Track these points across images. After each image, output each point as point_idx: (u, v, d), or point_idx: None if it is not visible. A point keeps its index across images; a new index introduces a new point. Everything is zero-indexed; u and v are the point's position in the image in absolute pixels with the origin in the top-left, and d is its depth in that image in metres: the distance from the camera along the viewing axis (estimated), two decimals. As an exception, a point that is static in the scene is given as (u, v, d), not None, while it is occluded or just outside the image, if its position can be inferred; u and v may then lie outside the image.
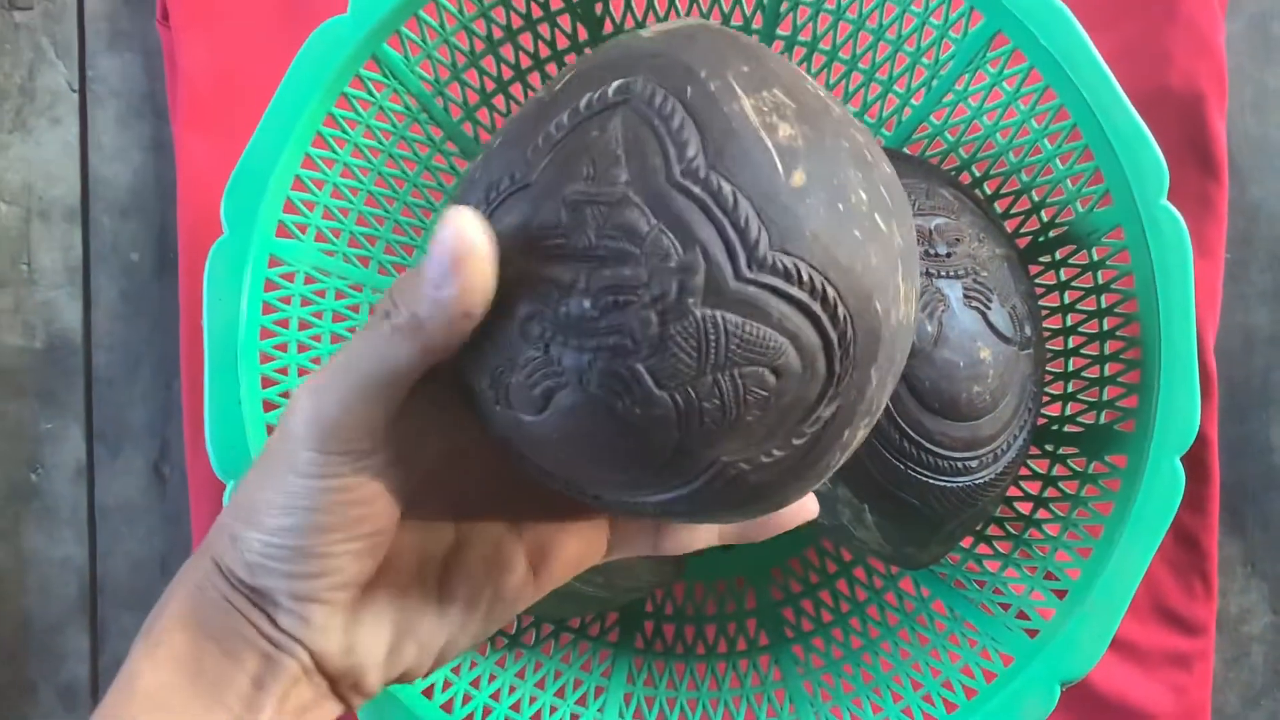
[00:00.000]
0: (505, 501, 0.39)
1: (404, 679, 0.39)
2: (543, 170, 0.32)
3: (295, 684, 0.36)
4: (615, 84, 0.32)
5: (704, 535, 0.40)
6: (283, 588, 0.36)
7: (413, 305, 0.32)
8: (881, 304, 0.32)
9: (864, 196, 0.32)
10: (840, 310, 0.31)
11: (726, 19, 0.60)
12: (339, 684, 0.38)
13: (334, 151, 0.56)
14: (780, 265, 0.30)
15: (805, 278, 0.31)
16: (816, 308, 0.31)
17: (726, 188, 0.30)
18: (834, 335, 0.31)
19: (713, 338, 0.30)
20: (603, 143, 0.31)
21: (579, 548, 0.40)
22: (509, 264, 0.31)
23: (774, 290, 0.30)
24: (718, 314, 0.30)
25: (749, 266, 0.30)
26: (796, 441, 0.32)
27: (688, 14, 0.60)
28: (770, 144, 0.31)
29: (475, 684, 0.58)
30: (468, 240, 0.30)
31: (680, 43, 0.33)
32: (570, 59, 0.61)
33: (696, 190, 0.30)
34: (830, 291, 0.31)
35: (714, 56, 0.32)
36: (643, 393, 0.31)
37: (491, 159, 0.34)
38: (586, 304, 0.31)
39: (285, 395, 0.55)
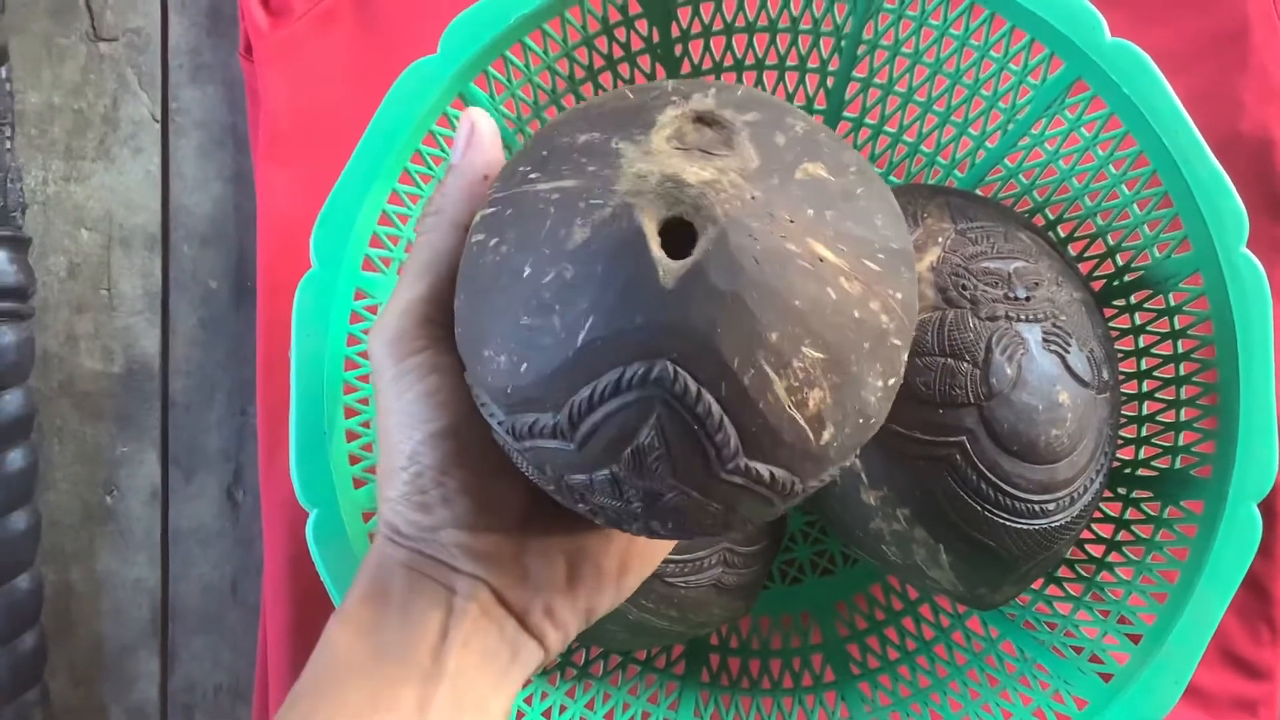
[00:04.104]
0: None
1: (593, 609, 0.41)
2: (584, 442, 0.34)
3: (477, 626, 0.39)
4: (643, 370, 0.33)
5: None
6: (444, 518, 0.39)
7: (441, 188, 0.41)
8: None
9: (879, 385, 0.36)
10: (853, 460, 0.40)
11: (804, 60, 0.61)
12: (529, 617, 0.39)
13: (419, 187, 0.57)
14: (810, 487, 0.36)
15: (830, 477, 0.37)
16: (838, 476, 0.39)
17: (764, 470, 0.34)
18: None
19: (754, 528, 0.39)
20: (644, 437, 0.34)
21: None
22: (567, 488, 0.36)
23: (806, 496, 0.37)
24: (762, 519, 0.37)
25: (785, 500, 0.36)
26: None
27: (765, 54, 0.61)
28: (802, 421, 0.34)
29: (547, 715, 0.58)
30: (479, 120, 0.41)
31: (703, 304, 0.33)
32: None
33: (738, 480, 0.34)
34: (849, 464, 0.38)
35: (743, 327, 0.33)
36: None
37: (518, 372, 0.35)
38: (650, 525, 0.36)
39: (367, 425, 0.55)
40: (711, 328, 0.32)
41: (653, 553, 0.43)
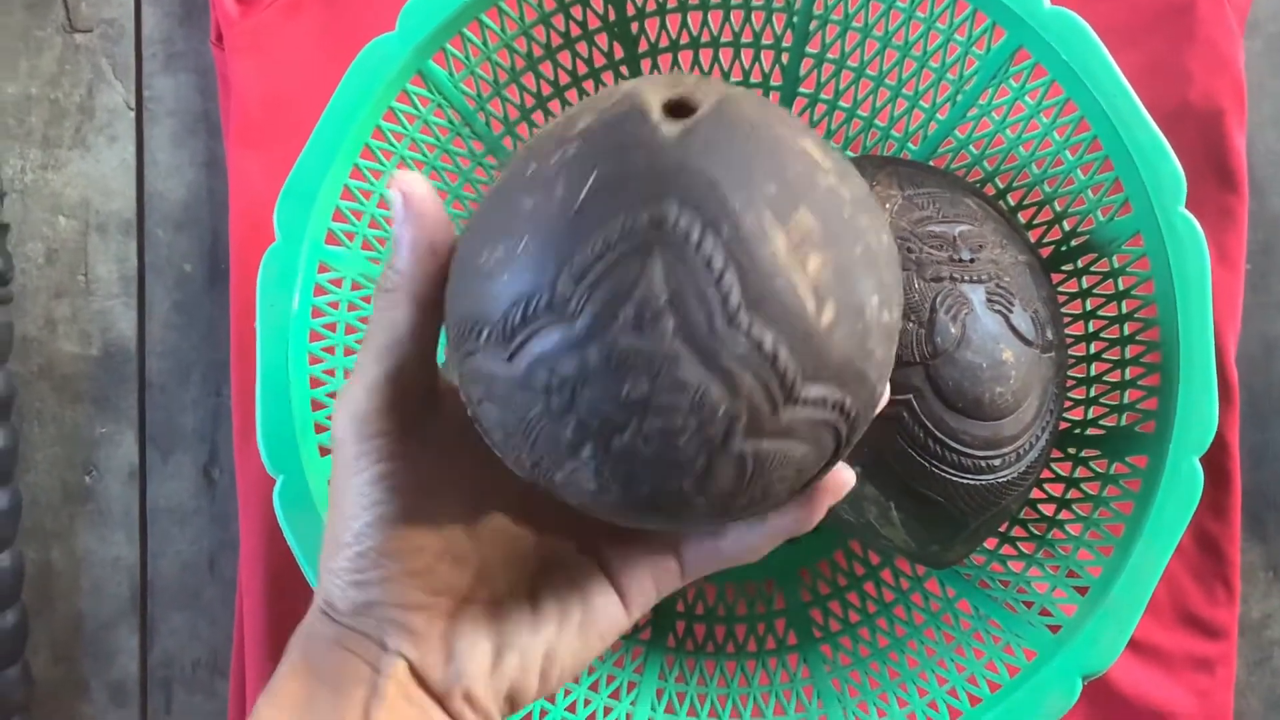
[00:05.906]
0: (569, 524, 0.41)
1: (515, 698, 0.40)
2: (582, 306, 0.32)
3: (395, 707, 0.38)
4: (647, 215, 0.32)
5: (766, 543, 0.43)
6: (379, 596, 0.38)
7: (392, 264, 0.38)
8: (880, 386, 0.36)
9: (875, 301, 0.34)
10: (854, 412, 0.35)
11: (758, 36, 0.63)
12: (450, 701, 0.39)
13: (381, 163, 0.58)
14: (811, 398, 0.33)
15: (831, 403, 0.34)
16: (838, 420, 0.34)
17: (768, 337, 0.32)
18: (845, 432, 0.35)
19: (751, 464, 0.34)
20: (645, 288, 0.32)
21: (651, 572, 0.42)
22: (556, 391, 0.33)
23: (805, 419, 0.34)
24: (759, 444, 0.33)
25: (786, 404, 0.33)
26: (799, 497, 0.39)
27: (720, 31, 0.63)
28: (802, 286, 0.32)
29: (513, 677, 0.60)
30: (411, 186, 0.37)
31: (704, 152, 0.33)
32: (608, 77, 0.64)
33: (741, 343, 0.32)
34: (849, 403, 0.34)
35: (742, 174, 0.33)
36: (685, 501, 0.34)
37: (515, 254, 0.33)
38: (640, 443, 0.33)
39: (332, 395, 0.57)
40: (712, 171, 0.32)
41: (583, 650, 0.42)
